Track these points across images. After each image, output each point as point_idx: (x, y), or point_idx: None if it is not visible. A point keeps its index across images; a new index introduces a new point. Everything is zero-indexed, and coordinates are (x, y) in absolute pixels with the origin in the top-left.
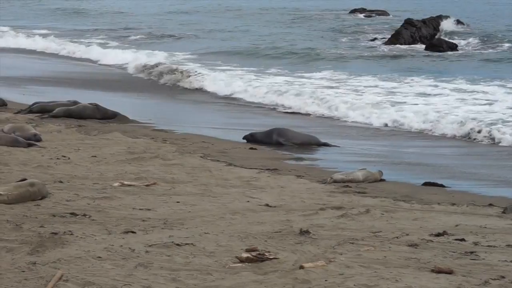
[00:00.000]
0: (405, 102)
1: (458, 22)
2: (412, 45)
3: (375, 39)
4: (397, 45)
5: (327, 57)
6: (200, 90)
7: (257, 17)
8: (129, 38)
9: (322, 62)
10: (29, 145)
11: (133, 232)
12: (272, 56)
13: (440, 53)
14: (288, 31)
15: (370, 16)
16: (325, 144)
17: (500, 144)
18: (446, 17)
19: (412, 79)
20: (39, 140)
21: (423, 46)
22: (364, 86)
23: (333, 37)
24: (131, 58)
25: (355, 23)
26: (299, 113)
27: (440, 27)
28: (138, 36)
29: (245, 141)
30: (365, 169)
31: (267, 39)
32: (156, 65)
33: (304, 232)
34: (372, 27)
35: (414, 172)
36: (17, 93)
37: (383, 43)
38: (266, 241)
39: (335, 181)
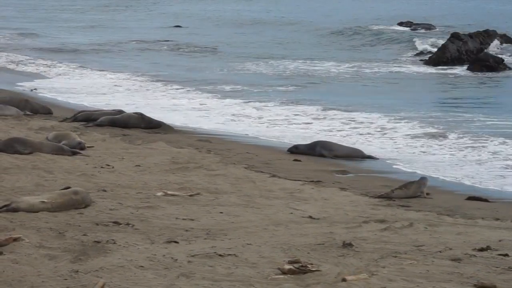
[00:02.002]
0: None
1: (506, 36)
2: (454, 67)
3: (421, 53)
4: (439, 66)
5: (363, 80)
6: None
7: (296, 29)
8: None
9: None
10: (74, 153)
11: (175, 242)
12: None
13: (487, 76)
14: (327, 46)
15: (416, 30)
16: (370, 157)
17: None
18: (493, 31)
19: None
20: (83, 148)
21: (465, 66)
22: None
23: (376, 53)
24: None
25: (400, 36)
26: None
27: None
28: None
29: (289, 153)
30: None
31: (307, 53)
32: None
33: (347, 245)
34: (418, 40)
35: (458, 185)
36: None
37: (428, 58)
38: (308, 253)
39: (395, 197)
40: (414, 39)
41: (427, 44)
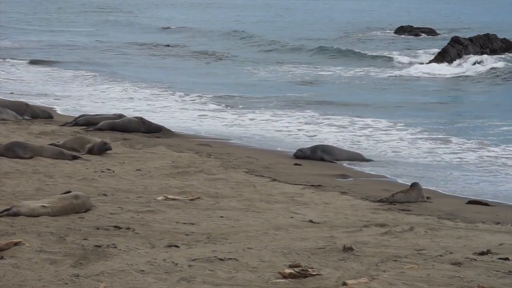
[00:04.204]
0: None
1: (506, 40)
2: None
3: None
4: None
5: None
6: None
7: (299, 32)
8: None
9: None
10: (74, 157)
11: (176, 246)
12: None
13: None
14: (325, 53)
15: (417, 35)
16: (370, 161)
17: None
18: (493, 35)
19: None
20: (108, 148)
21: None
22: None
23: (374, 59)
24: None
25: (400, 43)
26: None
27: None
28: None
29: (293, 157)
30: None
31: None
32: None
33: (347, 249)
34: (418, 46)
35: (459, 188)
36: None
37: (428, 62)
38: (309, 257)
39: (396, 201)
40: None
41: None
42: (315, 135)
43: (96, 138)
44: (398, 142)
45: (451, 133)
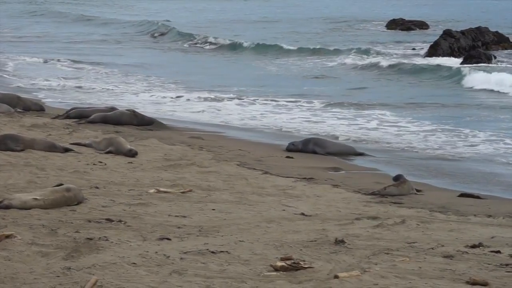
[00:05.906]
0: None
1: (498, 34)
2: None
3: (413, 48)
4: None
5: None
6: None
7: (282, 28)
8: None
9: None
10: (66, 150)
11: (168, 239)
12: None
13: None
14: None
15: (409, 29)
16: (362, 154)
17: None
18: (485, 28)
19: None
20: (134, 155)
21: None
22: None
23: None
24: None
25: (391, 38)
26: None
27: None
28: None
29: (285, 150)
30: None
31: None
32: None
33: (339, 242)
34: (410, 39)
35: (451, 181)
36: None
37: (423, 55)
38: (301, 250)
39: (388, 194)
40: None
41: None
42: (315, 129)
43: (126, 146)
44: (406, 136)
45: (460, 126)
